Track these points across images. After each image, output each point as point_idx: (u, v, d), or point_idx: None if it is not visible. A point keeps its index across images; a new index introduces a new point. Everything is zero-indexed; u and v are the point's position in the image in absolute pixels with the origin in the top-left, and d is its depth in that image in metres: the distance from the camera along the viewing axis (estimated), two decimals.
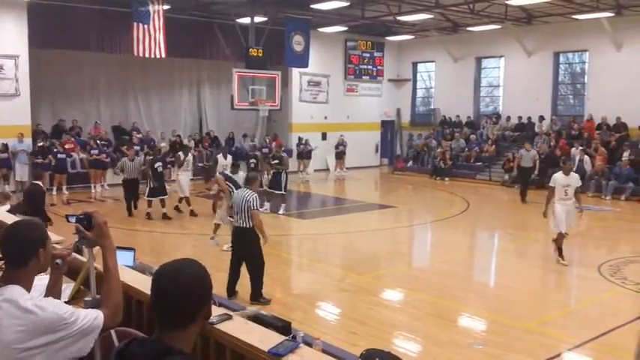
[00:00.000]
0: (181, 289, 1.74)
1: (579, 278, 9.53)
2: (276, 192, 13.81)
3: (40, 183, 9.61)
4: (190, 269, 1.80)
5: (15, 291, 2.27)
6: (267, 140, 21.72)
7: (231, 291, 7.55)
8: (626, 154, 17.56)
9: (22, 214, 7.88)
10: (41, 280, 4.10)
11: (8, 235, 2.45)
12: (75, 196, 16.10)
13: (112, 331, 3.30)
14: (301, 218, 14.41)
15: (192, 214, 13.38)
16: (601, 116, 19.29)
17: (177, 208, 13.70)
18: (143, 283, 3.83)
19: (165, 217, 12.95)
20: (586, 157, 17.97)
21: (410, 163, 23.42)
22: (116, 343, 3.16)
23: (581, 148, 18.31)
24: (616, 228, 13.50)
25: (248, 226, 7.41)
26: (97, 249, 3.67)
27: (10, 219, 6.03)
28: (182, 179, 13.67)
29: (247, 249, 7.49)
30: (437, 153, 22.02)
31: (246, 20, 19.28)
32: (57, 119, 18.99)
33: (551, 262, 10.00)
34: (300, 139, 21.89)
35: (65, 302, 3.71)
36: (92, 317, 2.36)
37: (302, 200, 17.94)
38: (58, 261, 3.08)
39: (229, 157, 14.09)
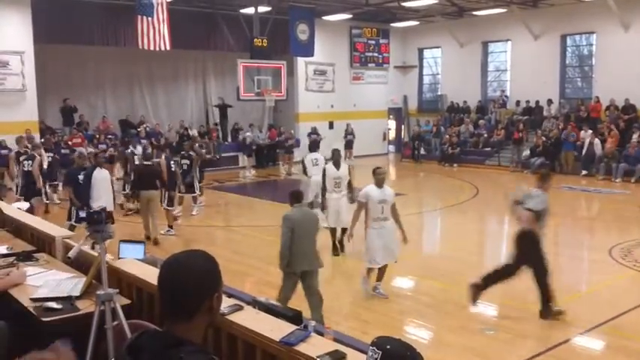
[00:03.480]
0: (180, 280, 1.74)
1: (590, 262, 9.49)
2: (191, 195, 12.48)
3: (150, 163, 10.88)
4: (192, 261, 1.79)
5: None
6: (280, 130, 21.70)
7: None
8: (635, 136, 17.42)
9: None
10: (55, 275, 4.15)
11: None
12: None
13: (125, 324, 3.33)
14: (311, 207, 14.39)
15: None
16: (609, 98, 19.11)
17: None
18: (154, 276, 3.85)
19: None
20: (596, 140, 17.86)
21: (421, 150, 23.21)
22: (129, 335, 3.18)
23: (591, 131, 18.20)
24: (626, 210, 13.41)
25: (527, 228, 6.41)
26: (108, 241, 3.70)
27: (17, 213, 6.07)
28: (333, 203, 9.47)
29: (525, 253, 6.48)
30: (444, 139, 21.94)
31: (249, 10, 19.21)
32: (62, 102, 18.77)
33: (561, 247, 9.97)
34: (312, 128, 21.78)
35: (77, 296, 3.76)
36: None
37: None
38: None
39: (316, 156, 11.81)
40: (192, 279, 1.74)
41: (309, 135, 21.67)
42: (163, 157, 11.50)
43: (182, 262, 1.79)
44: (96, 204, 9.17)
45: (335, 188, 9.14)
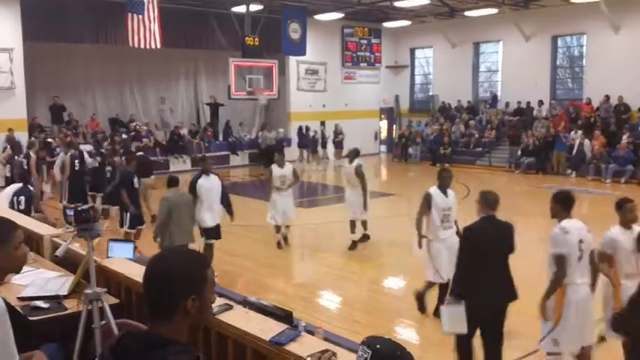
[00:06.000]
0: (156, 279, 1.72)
1: None
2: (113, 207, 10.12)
3: (142, 153, 11.89)
4: (170, 261, 1.75)
5: None
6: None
7: None
8: (625, 137, 17.53)
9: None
10: (43, 274, 4.10)
11: None
12: None
13: (113, 324, 3.29)
14: (301, 207, 14.38)
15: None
16: (599, 99, 19.20)
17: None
18: (142, 275, 3.81)
19: None
20: (586, 141, 17.96)
21: (410, 150, 23.25)
22: (117, 334, 3.15)
23: (580, 131, 18.30)
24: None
25: None
26: (96, 240, 3.66)
27: (6, 213, 6.01)
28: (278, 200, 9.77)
29: None
30: (425, 135, 22.09)
31: (241, 9, 19.15)
32: (52, 100, 18.57)
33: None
34: (307, 127, 21.81)
35: (65, 295, 3.72)
36: None
37: (302, 189, 17.93)
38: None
39: (354, 162, 9.83)
40: (167, 279, 1.70)
41: (301, 133, 21.71)
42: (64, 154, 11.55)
43: (161, 260, 1.77)
44: (207, 218, 7.89)
45: (444, 223, 6.44)
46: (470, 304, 4.70)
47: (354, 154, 9.81)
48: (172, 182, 7.49)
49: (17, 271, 2.41)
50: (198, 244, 7.75)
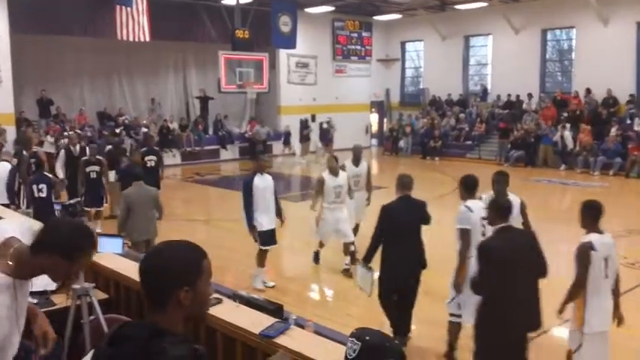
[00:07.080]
0: (149, 269, 1.73)
1: (569, 254, 9.57)
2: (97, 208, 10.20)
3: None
4: (165, 251, 1.76)
5: None
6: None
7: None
8: (614, 130, 17.64)
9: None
10: None
11: None
12: None
13: (102, 319, 3.28)
14: (292, 201, 14.37)
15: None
16: (587, 87, 19.32)
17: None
18: (131, 270, 3.80)
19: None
20: (566, 133, 18.05)
21: (401, 143, 23.28)
22: (105, 329, 3.14)
23: (568, 124, 18.39)
24: (604, 203, 13.58)
25: None
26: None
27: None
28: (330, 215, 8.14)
29: None
30: (424, 130, 22.06)
31: (231, 1, 19.03)
32: (39, 95, 18.34)
33: (541, 239, 10.05)
34: (304, 121, 21.71)
35: (52, 291, 3.69)
36: None
37: (293, 183, 17.93)
38: None
39: (363, 164, 9.22)
40: (158, 269, 1.71)
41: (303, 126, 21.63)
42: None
43: (157, 252, 1.78)
44: (263, 221, 7.21)
45: None
46: (386, 274, 5.59)
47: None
48: (134, 177, 7.29)
49: (55, 282, 2.39)
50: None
